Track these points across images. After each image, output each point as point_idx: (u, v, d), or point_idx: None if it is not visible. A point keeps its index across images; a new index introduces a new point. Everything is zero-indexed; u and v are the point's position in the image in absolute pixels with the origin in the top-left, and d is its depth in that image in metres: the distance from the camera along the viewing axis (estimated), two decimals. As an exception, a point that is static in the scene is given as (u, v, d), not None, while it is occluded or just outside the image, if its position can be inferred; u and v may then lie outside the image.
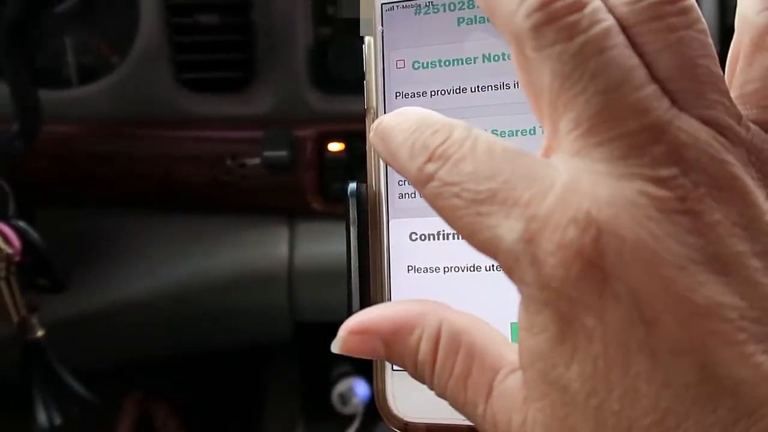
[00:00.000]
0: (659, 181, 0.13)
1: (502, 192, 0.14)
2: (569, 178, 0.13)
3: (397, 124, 0.16)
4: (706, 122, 0.13)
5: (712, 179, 0.13)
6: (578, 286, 0.13)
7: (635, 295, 0.12)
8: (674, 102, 0.13)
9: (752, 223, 0.13)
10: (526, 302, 0.14)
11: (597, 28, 0.13)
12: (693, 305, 0.12)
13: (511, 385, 0.15)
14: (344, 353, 0.18)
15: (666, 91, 0.13)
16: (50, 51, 0.59)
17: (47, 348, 0.52)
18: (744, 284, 0.12)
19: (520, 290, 0.14)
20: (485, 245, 0.14)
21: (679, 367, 0.12)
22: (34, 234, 0.49)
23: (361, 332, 0.17)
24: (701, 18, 0.14)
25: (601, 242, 0.13)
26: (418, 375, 0.17)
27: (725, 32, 0.57)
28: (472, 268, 0.21)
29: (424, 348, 0.16)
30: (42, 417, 0.51)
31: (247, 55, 0.57)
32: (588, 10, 0.14)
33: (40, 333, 0.52)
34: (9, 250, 0.48)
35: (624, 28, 0.14)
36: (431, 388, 0.17)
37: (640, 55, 0.13)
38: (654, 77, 0.13)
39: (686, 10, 0.14)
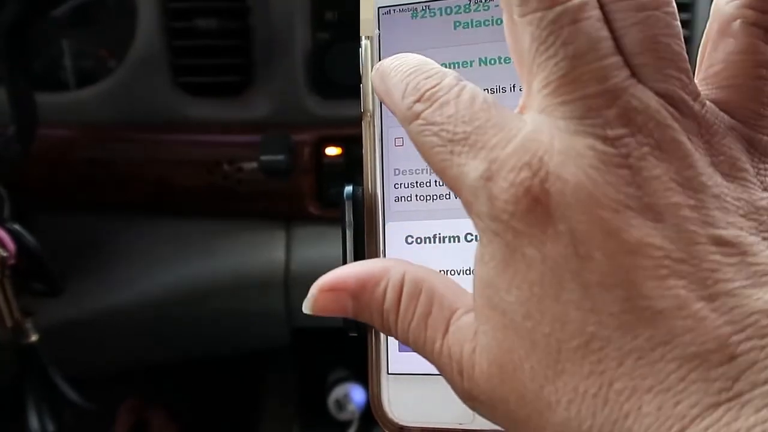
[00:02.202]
0: (607, 139, 0.14)
1: (474, 136, 0.16)
2: (532, 129, 0.15)
3: (397, 66, 0.18)
4: (660, 94, 0.15)
5: (655, 141, 0.14)
6: (524, 219, 0.15)
7: (573, 232, 0.14)
8: (634, 74, 0.15)
9: (689, 181, 0.14)
10: (480, 235, 0.16)
11: (575, 1, 0.15)
12: (622, 243, 0.14)
13: (466, 321, 0.17)
14: (315, 313, 0.19)
15: (628, 63, 0.15)
16: (48, 55, 0.59)
17: (41, 353, 0.52)
18: (674, 230, 0.14)
19: (476, 225, 0.16)
20: (453, 181, 0.16)
21: (605, 297, 0.14)
22: (29, 237, 0.49)
23: (330, 289, 0.18)
24: (671, 1, 0.15)
25: (547, 183, 0.14)
26: (384, 325, 0.18)
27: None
28: (468, 272, 0.21)
29: (390, 296, 0.18)
30: (35, 423, 0.51)
31: (245, 59, 0.57)
32: None
33: (34, 338, 0.52)
34: (3, 254, 0.47)
35: (601, 5, 0.15)
36: (396, 336, 0.18)
37: (611, 30, 0.15)
38: (620, 50, 0.15)
39: None
